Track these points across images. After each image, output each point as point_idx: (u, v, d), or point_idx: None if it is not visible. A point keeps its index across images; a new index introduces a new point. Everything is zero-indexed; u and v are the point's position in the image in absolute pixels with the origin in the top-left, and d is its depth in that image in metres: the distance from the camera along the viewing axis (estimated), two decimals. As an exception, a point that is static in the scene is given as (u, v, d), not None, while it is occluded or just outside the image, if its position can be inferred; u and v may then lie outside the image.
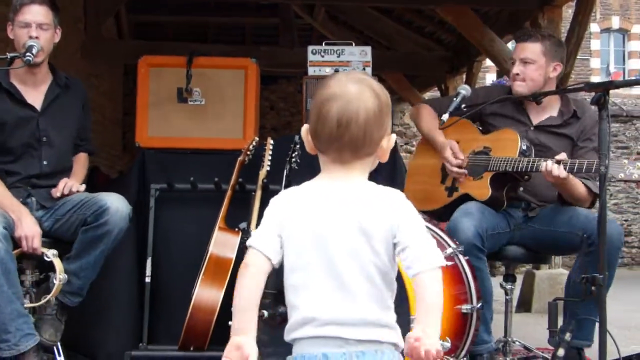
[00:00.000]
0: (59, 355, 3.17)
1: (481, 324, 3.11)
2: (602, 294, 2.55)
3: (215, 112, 4.07)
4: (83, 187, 3.34)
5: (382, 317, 1.70)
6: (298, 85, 11.31)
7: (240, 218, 3.51)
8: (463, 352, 2.95)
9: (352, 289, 1.69)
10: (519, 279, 4.77)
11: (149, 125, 4.06)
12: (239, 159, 3.72)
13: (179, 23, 10.29)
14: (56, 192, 3.27)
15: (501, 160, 3.30)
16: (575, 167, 3.08)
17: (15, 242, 3.04)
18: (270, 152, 3.68)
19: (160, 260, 3.82)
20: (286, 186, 3.43)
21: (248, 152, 3.72)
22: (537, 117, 3.51)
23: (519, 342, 3.52)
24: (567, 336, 2.96)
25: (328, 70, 4.05)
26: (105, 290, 3.61)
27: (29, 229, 3.06)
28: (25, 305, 3.02)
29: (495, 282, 3.39)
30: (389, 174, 3.80)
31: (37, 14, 3.24)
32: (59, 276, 3.04)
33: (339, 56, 4.12)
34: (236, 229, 3.50)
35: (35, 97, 3.35)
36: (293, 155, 3.51)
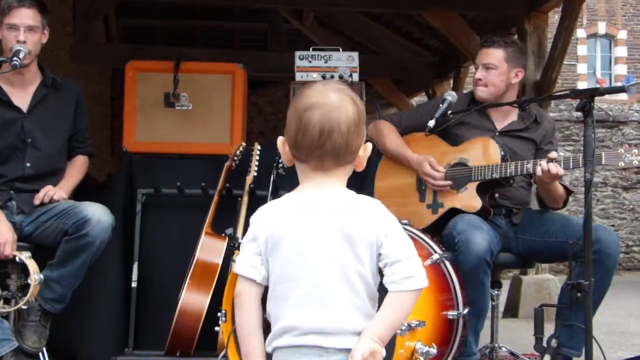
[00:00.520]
0: (44, 360, 3.15)
1: (471, 335, 3.11)
2: (587, 300, 2.57)
3: (202, 117, 4.06)
4: (65, 196, 3.30)
5: (362, 326, 1.70)
6: (286, 90, 11.24)
7: (227, 223, 3.49)
8: (449, 359, 2.95)
9: (334, 298, 1.70)
10: (505, 284, 4.77)
11: (136, 130, 4.05)
12: (226, 164, 3.72)
13: (167, 27, 10.26)
14: (36, 200, 3.24)
15: (486, 169, 3.29)
16: (571, 162, 3.10)
17: None
18: (257, 158, 3.68)
19: (147, 265, 3.82)
20: (273, 191, 3.43)
21: (235, 158, 3.72)
22: (501, 122, 3.55)
23: (505, 347, 3.50)
24: (553, 342, 2.96)
25: (315, 76, 4.04)
26: (91, 294, 3.60)
27: (1, 235, 3.01)
28: (5, 310, 2.98)
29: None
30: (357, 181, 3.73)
31: (25, 17, 3.23)
32: (34, 276, 2.98)
33: (326, 62, 4.09)
34: (223, 234, 3.48)
35: (22, 98, 3.33)
36: (280, 160, 3.49)
